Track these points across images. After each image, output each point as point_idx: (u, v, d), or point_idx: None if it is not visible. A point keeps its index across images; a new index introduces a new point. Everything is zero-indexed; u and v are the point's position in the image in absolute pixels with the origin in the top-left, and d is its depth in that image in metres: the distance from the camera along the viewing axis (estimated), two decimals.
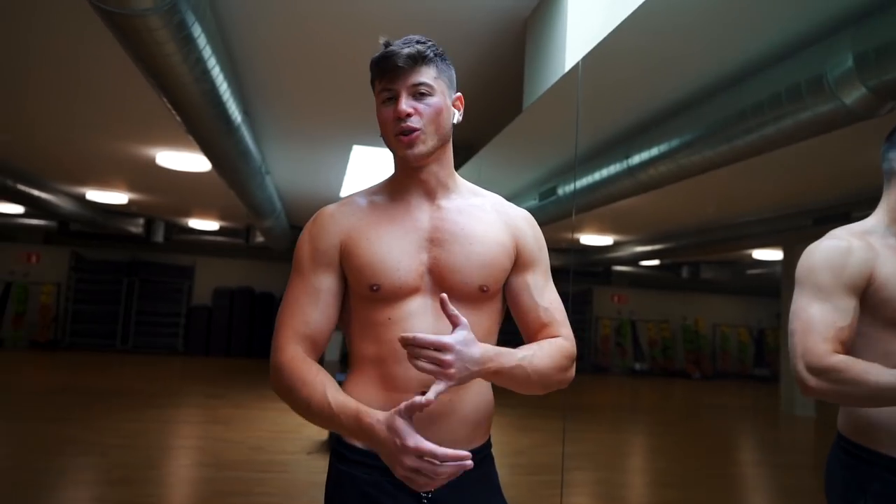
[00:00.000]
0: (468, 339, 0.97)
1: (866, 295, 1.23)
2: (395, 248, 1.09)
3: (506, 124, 3.38)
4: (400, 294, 1.08)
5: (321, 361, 1.12)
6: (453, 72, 1.16)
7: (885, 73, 1.87)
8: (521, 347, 1.08)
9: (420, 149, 1.07)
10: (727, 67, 2.56)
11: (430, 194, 1.15)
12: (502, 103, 3.68)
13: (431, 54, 1.09)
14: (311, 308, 1.10)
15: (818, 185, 4.94)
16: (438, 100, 1.09)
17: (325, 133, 4.99)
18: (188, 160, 5.64)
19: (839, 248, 1.26)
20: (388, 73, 1.07)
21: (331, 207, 1.16)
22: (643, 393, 10.90)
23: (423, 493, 1.05)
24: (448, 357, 0.94)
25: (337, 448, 1.11)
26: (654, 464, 5.67)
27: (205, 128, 3.31)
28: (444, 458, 0.91)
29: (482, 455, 1.14)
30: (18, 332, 10.74)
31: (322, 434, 4.89)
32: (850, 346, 1.21)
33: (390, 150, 1.11)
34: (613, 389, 10.93)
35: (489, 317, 1.13)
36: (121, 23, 1.98)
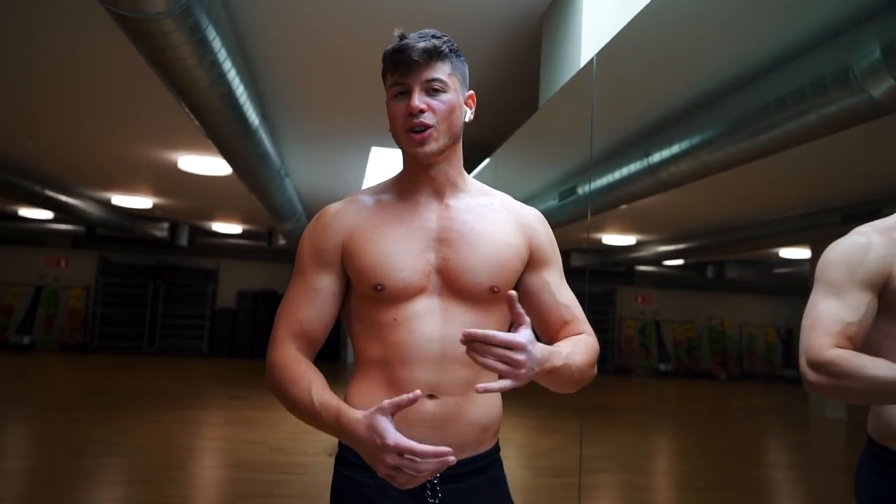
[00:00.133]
0: (533, 339, 0.94)
1: (886, 291, 1.19)
2: (400, 248, 1.07)
3: (523, 123, 3.34)
4: (405, 294, 1.05)
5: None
6: (467, 69, 1.13)
7: None
8: (558, 345, 1.04)
9: (431, 147, 1.05)
10: (748, 61, 2.50)
11: (439, 193, 1.12)
12: (519, 102, 3.65)
13: (447, 49, 1.07)
14: (307, 307, 1.08)
15: (846, 180, 4.82)
16: (452, 97, 1.06)
17: (343, 135, 5.00)
18: (209, 164, 5.70)
19: (858, 243, 1.22)
20: (402, 66, 1.04)
21: (335, 205, 1.15)
22: (668, 394, 10.75)
23: (430, 500, 1.02)
24: (521, 357, 0.90)
25: (342, 453, 1.09)
26: (679, 466, 5.58)
27: (223, 131, 3.33)
28: (424, 455, 0.87)
29: (491, 459, 1.11)
30: (49, 336, 10.97)
31: None
32: (860, 343, 1.18)
33: (399, 145, 1.09)
34: (638, 391, 10.80)
35: (498, 318, 1.10)
36: (134, 27, 1.99)
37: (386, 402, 0.91)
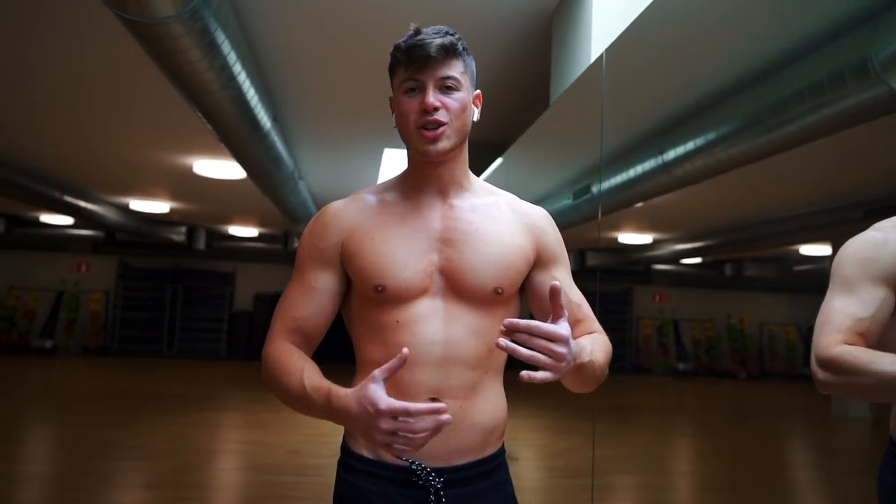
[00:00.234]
0: (570, 334, 0.91)
1: None
2: (402, 248, 1.05)
3: (534, 122, 3.32)
4: (407, 296, 1.04)
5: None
6: (475, 68, 1.12)
7: None
8: (580, 342, 1.01)
9: (444, 144, 1.03)
10: (762, 54, 2.45)
11: (444, 192, 1.11)
12: (531, 101, 3.62)
13: (461, 47, 1.06)
14: (304, 305, 1.07)
15: (868, 175, 4.73)
16: (465, 95, 1.05)
17: (355, 137, 5.01)
18: (224, 168, 5.74)
19: (873, 239, 1.19)
20: (417, 62, 1.02)
21: (336, 204, 1.13)
22: (687, 394, 10.63)
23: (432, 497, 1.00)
24: (563, 349, 0.87)
25: (344, 458, 1.08)
26: (698, 467, 5.51)
27: (235, 135, 3.34)
28: (416, 413, 0.85)
29: (496, 462, 1.09)
30: (70, 339, 11.13)
31: None
32: (874, 340, 1.13)
33: (408, 143, 1.07)
34: (656, 390, 10.70)
35: (502, 320, 1.08)
36: (143, 31, 2.00)
37: (376, 371, 0.89)
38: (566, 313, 0.91)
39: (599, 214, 3.34)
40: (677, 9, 2.08)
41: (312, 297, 1.07)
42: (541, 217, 1.16)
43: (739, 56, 2.53)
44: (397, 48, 1.05)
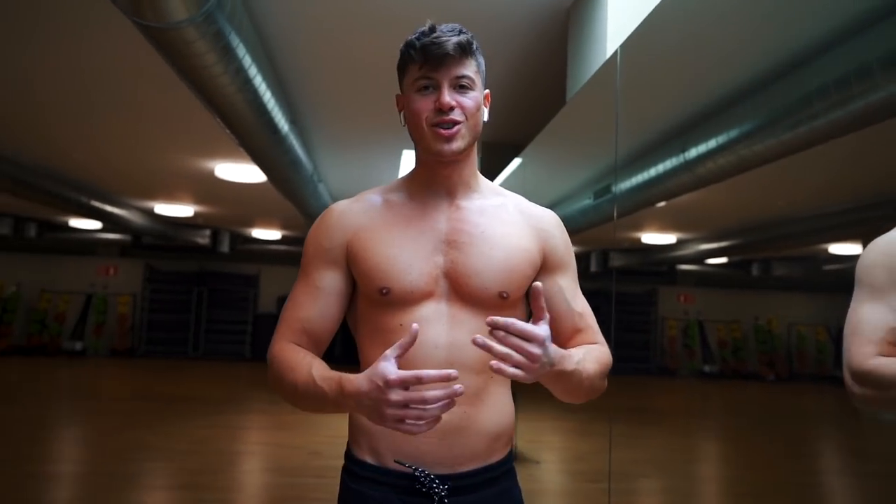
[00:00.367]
0: (549, 336, 0.90)
1: None
2: (407, 250, 1.03)
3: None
4: (411, 299, 1.02)
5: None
6: (485, 66, 1.10)
7: None
8: (571, 351, 1.00)
9: (458, 144, 1.02)
10: (787, 47, 2.38)
11: (452, 193, 1.08)
12: (548, 100, 3.58)
13: (475, 46, 1.05)
14: (309, 307, 1.06)
15: None
16: (478, 94, 1.04)
17: (374, 139, 5.01)
18: (245, 171, 5.78)
19: None
20: (433, 60, 1.00)
21: (342, 204, 1.12)
22: (713, 396, 10.45)
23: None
24: (537, 350, 0.87)
25: (348, 465, 1.06)
26: (726, 471, 5.39)
27: (253, 138, 3.36)
28: (428, 380, 0.83)
29: (503, 469, 1.07)
30: (99, 341, 11.33)
31: None
32: None
33: (419, 142, 1.05)
34: (682, 392, 10.53)
35: None
36: (157, 36, 2.01)
37: (388, 350, 0.87)
38: (547, 315, 0.90)
39: (615, 215, 3.29)
40: (694, 2, 2.03)
41: (318, 297, 1.05)
42: (549, 220, 1.13)
43: (761, 50, 2.46)
44: (411, 45, 1.03)
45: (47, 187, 6.39)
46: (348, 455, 1.07)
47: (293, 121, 3.80)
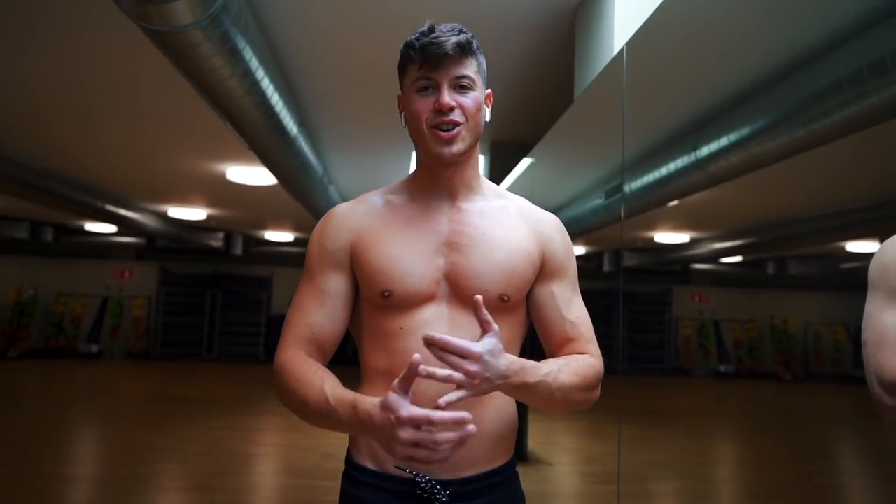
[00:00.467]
0: (496, 350, 0.88)
1: None
2: (410, 252, 1.02)
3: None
4: (413, 301, 1.00)
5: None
6: (486, 66, 1.09)
7: None
8: (546, 362, 0.98)
9: (459, 146, 1.01)
10: (798, 42, 2.35)
11: (453, 195, 1.07)
12: (557, 99, 3.55)
13: (475, 46, 1.03)
14: (316, 311, 1.04)
15: None
16: (479, 95, 1.02)
17: (383, 140, 5.00)
18: (256, 174, 5.81)
19: None
20: (432, 60, 0.99)
21: (344, 206, 1.11)
22: (729, 396, 10.35)
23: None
24: (473, 367, 0.86)
25: (348, 470, 1.05)
26: (742, 473, 5.34)
27: (262, 140, 3.37)
28: (440, 422, 0.83)
29: (506, 474, 1.05)
30: (115, 344, 11.44)
31: None
32: None
33: (419, 143, 1.04)
34: (697, 392, 10.44)
35: (510, 329, 1.04)
36: (163, 40, 2.02)
37: (395, 381, 0.86)
38: (494, 328, 0.89)
39: (622, 215, 3.26)
40: None
41: (325, 301, 1.04)
42: (551, 224, 1.11)
43: (772, 45, 2.43)
44: (410, 46, 1.02)
45: (62, 191, 6.46)
46: (348, 460, 1.06)
47: (302, 123, 3.80)
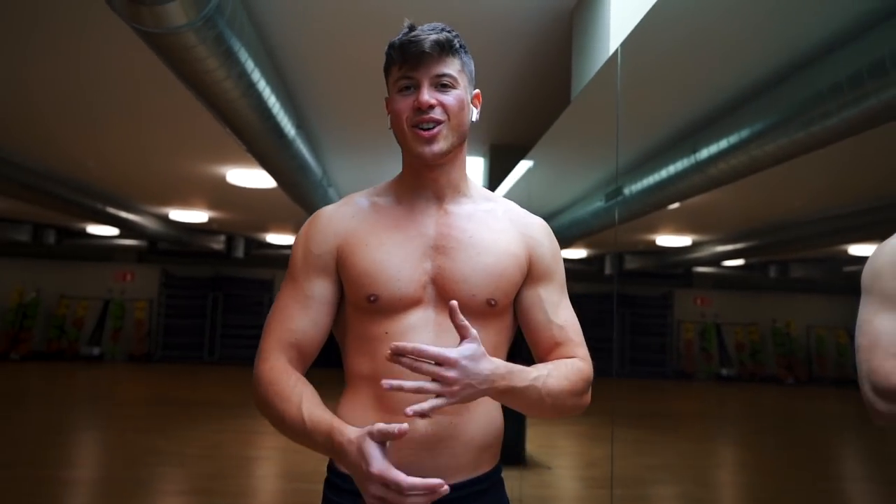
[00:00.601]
0: (477, 354, 0.86)
1: None
2: (396, 256, 1.00)
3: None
4: (399, 306, 0.98)
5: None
6: (473, 66, 1.07)
7: None
8: (535, 366, 0.96)
9: (440, 146, 0.99)
10: (796, 44, 2.33)
11: (440, 197, 1.05)
12: (555, 102, 3.54)
13: (457, 45, 1.01)
14: (299, 316, 1.01)
15: None
16: (461, 93, 1.00)
17: (383, 142, 4.98)
18: (256, 177, 5.80)
19: None
20: (411, 59, 0.98)
21: (329, 208, 1.09)
22: (731, 400, 10.31)
23: None
24: (451, 374, 0.84)
25: (330, 477, 1.04)
26: (744, 477, 5.30)
27: (259, 143, 3.36)
28: (410, 489, 0.80)
29: (490, 481, 1.03)
30: (116, 347, 11.45)
31: None
32: None
33: (402, 144, 1.03)
34: (698, 396, 10.40)
35: (497, 333, 1.02)
36: (157, 41, 2.01)
37: (376, 427, 0.84)
38: (472, 332, 0.87)
39: (616, 219, 3.25)
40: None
41: (308, 306, 1.02)
42: (538, 228, 1.10)
43: (771, 46, 2.41)
44: (391, 46, 1.01)
45: (62, 193, 6.46)
46: (331, 467, 1.04)
47: (300, 125, 3.80)
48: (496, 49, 3.13)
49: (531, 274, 1.06)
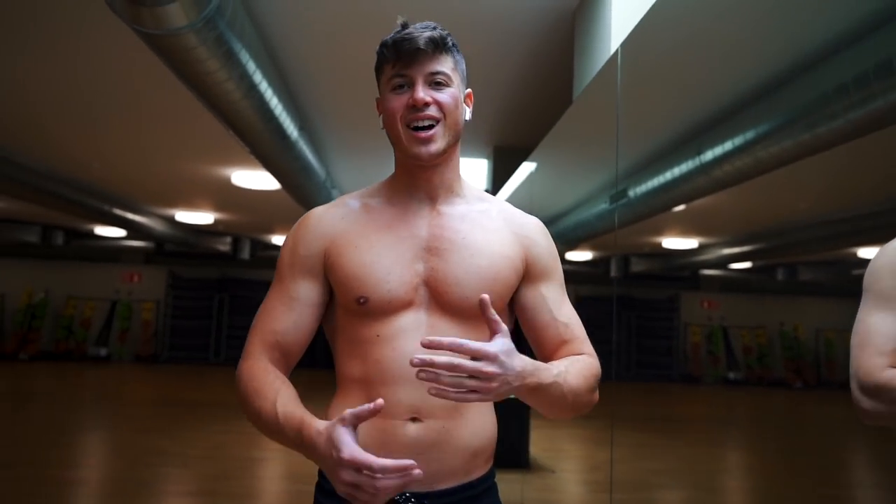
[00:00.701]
0: (510, 349, 0.84)
1: None
2: (386, 257, 0.99)
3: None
4: (390, 308, 0.97)
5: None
6: (465, 66, 1.06)
7: None
8: (552, 363, 0.94)
9: (437, 145, 0.98)
10: (801, 45, 2.30)
11: (433, 197, 1.04)
12: (558, 104, 3.53)
13: (450, 43, 1.00)
14: (284, 317, 1.01)
15: None
16: (455, 91, 0.99)
17: (386, 143, 4.94)
18: (261, 179, 5.81)
19: None
20: (404, 56, 0.97)
21: (319, 209, 1.08)
22: (738, 404, 10.22)
23: None
24: (491, 369, 0.81)
25: (320, 480, 1.02)
26: (751, 482, 5.25)
27: (262, 144, 3.36)
28: (381, 470, 0.78)
29: (483, 487, 1.01)
30: (123, 347, 11.50)
31: None
32: None
33: (397, 145, 1.01)
34: (706, 400, 10.33)
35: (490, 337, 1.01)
36: (158, 43, 2.01)
37: (347, 412, 0.82)
38: (504, 328, 0.85)
39: (616, 221, 3.22)
40: (694, 0, 1.97)
41: (293, 308, 1.01)
42: (533, 227, 1.08)
43: (774, 48, 2.38)
44: (383, 44, 1.00)
45: (69, 195, 6.49)
46: (321, 470, 1.03)
47: (302, 126, 3.79)
48: (499, 51, 3.12)
49: (530, 274, 1.05)
